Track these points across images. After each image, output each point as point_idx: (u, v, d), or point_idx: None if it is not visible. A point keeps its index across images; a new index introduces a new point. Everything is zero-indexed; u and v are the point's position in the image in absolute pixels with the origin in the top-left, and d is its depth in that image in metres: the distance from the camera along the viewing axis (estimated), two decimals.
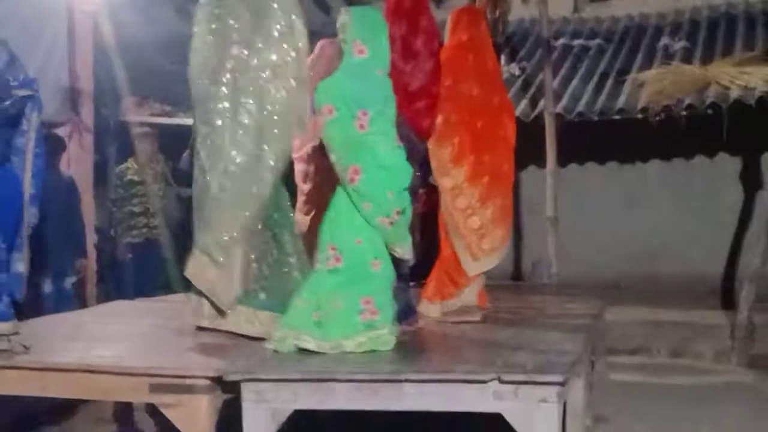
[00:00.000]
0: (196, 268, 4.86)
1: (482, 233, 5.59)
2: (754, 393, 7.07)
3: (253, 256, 4.90)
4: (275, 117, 4.80)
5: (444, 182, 5.51)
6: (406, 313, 5.20)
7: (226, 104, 4.80)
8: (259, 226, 4.89)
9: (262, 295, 4.95)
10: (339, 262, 4.44)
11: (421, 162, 5.38)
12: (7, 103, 4.75)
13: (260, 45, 4.81)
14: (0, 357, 4.58)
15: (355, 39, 4.50)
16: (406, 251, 4.60)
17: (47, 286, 7.40)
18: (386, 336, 4.49)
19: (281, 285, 4.92)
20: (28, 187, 4.81)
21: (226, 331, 4.94)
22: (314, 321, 4.45)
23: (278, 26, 4.81)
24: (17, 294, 4.77)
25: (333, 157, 4.41)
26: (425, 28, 5.49)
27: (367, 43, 4.52)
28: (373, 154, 4.34)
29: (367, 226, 4.43)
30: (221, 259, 4.81)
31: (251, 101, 4.79)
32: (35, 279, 7.33)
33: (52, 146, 7.64)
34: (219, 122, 4.80)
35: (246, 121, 4.78)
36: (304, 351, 4.42)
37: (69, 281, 7.58)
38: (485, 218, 5.58)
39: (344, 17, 4.55)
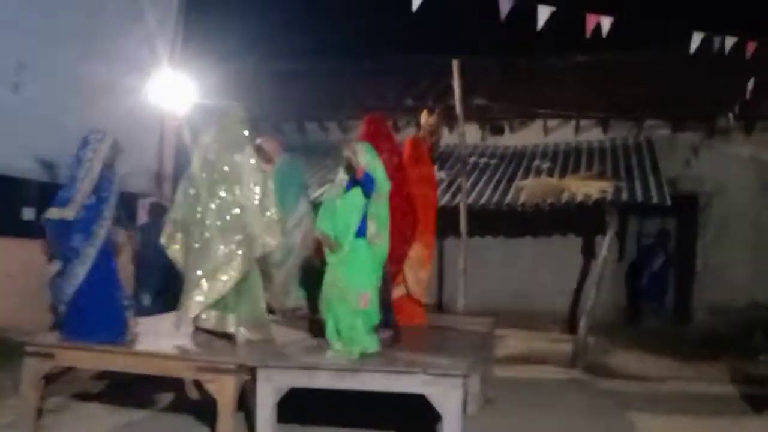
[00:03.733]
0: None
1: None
2: (586, 387, 7.03)
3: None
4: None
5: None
6: (386, 328, 5.04)
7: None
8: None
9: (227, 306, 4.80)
10: (367, 305, 4.36)
11: None
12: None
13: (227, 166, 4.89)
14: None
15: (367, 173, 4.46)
16: None
17: (147, 301, 7.44)
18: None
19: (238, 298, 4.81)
20: None
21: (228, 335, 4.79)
22: (347, 338, 4.32)
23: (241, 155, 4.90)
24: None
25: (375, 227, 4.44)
26: (388, 148, 5.43)
27: (377, 175, 4.51)
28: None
29: (375, 280, 4.44)
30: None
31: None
32: (141, 296, 7.50)
33: (159, 212, 7.59)
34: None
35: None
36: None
37: (162, 297, 7.50)
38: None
39: (360, 151, 4.52)
